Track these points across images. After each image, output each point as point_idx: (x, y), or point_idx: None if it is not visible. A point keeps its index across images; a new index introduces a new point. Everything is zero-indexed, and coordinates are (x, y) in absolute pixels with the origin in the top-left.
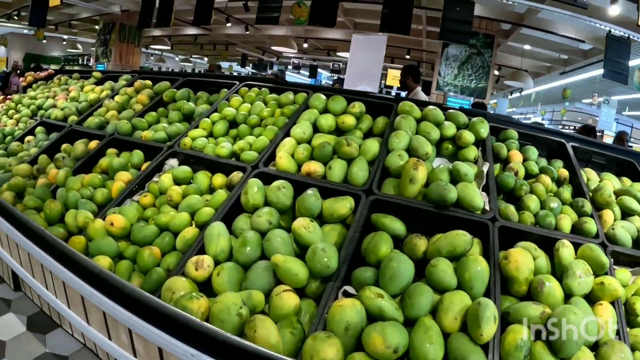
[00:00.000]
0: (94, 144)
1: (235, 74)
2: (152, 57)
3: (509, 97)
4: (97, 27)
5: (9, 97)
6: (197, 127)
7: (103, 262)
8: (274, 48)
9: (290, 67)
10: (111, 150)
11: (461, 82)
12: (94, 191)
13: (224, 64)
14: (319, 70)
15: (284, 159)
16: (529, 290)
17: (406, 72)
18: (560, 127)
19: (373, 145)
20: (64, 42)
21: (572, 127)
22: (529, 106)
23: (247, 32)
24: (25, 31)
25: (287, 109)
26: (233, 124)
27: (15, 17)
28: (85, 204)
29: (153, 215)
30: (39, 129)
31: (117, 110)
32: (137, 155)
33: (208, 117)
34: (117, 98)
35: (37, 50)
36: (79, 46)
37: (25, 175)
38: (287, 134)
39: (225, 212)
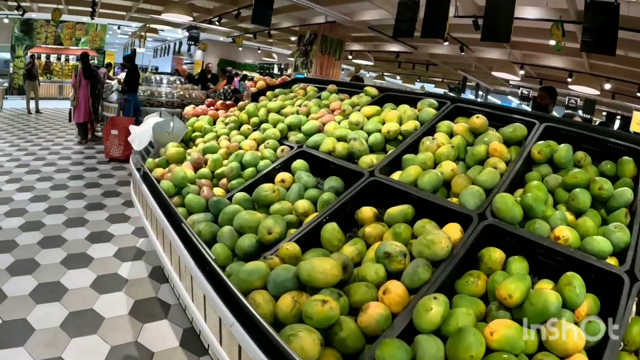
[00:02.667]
0: (455, 231)
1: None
2: (342, 72)
3: None
4: (292, 38)
5: (228, 101)
6: None
7: None
8: (495, 74)
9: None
10: (496, 255)
11: None
12: None
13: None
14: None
15: None
16: None
17: (550, 96)
18: None
19: None
20: (259, 51)
21: None
22: None
23: (462, 54)
24: (221, 38)
25: None
26: None
27: (217, 23)
28: None
29: None
30: (299, 163)
31: (452, 160)
32: (579, 287)
33: None
34: (441, 137)
35: (230, 57)
36: (274, 55)
37: (330, 283)
38: None
39: None
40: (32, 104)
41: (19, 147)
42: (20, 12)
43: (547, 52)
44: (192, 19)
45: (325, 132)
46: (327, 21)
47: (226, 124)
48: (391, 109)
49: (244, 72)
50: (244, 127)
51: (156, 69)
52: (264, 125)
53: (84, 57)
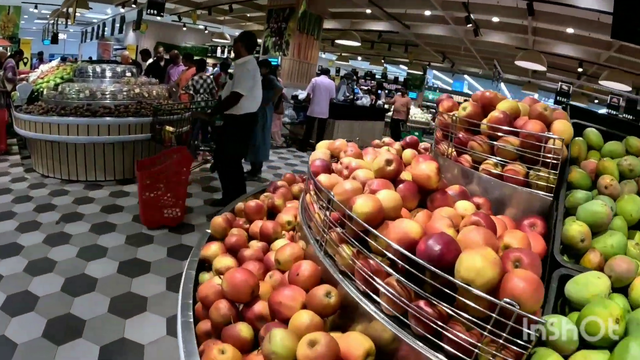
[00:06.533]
0: None
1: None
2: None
3: None
4: (249, 15)
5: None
6: None
7: None
8: (518, 63)
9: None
10: None
11: None
12: None
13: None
14: None
15: None
16: None
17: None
18: None
19: None
20: (206, 32)
21: None
22: None
23: (478, 38)
24: (159, 18)
25: None
26: None
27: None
28: None
29: None
30: None
31: None
32: None
33: None
34: None
35: (171, 40)
36: (227, 37)
37: None
38: None
39: None
40: None
41: None
42: None
43: (561, 40)
44: None
45: None
46: None
47: None
48: None
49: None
50: None
51: (90, 58)
52: None
53: None
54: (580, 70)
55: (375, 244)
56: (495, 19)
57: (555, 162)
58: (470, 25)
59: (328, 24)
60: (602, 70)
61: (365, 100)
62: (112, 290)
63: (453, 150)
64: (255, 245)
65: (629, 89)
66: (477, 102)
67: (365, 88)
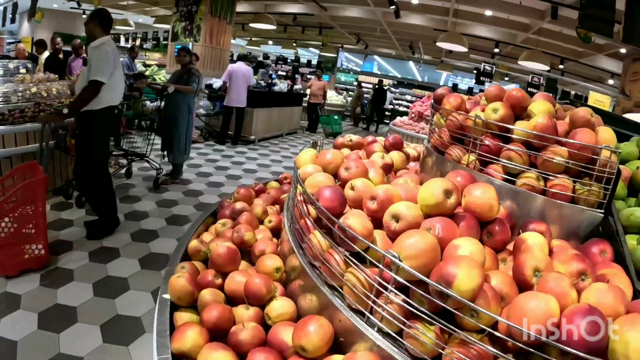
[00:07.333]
0: None
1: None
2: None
3: None
4: None
5: None
6: None
7: None
8: (440, 44)
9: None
10: None
11: None
12: None
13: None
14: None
15: None
16: None
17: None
18: None
19: None
20: None
21: None
22: None
23: (397, 19)
24: (55, 5)
25: None
26: None
27: None
28: None
29: None
30: None
31: None
32: None
33: None
34: None
35: (69, 29)
36: (132, 23)
37: None
38: None
39: None
40: None
41: None
42: None
43: (479, 22)
44: None
45: None
46: None
47: None
48: None
49: None
50: None
51: None
52: None
53: None
54: (496, 50)
55: (474, 321)
56: (415, 1)
57: (610, 176)
58: (393, 7)
59: (240, 7)
60: (516, 51)
61: (282, 86)
62: (38, 355)
63: (476, 159)
64: (247, 316)
65: (547, 68)
66: (503, 101)
67: (275, 72)
